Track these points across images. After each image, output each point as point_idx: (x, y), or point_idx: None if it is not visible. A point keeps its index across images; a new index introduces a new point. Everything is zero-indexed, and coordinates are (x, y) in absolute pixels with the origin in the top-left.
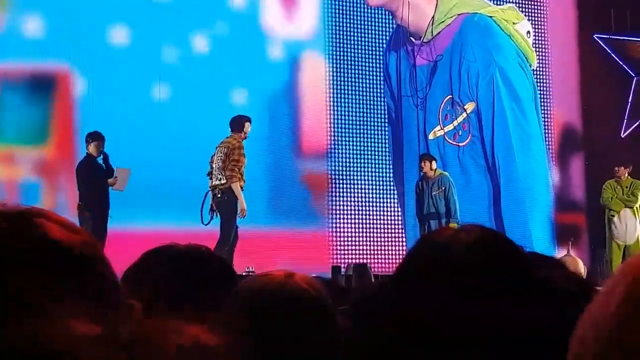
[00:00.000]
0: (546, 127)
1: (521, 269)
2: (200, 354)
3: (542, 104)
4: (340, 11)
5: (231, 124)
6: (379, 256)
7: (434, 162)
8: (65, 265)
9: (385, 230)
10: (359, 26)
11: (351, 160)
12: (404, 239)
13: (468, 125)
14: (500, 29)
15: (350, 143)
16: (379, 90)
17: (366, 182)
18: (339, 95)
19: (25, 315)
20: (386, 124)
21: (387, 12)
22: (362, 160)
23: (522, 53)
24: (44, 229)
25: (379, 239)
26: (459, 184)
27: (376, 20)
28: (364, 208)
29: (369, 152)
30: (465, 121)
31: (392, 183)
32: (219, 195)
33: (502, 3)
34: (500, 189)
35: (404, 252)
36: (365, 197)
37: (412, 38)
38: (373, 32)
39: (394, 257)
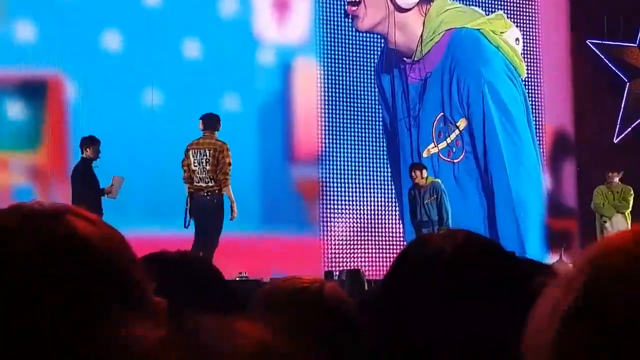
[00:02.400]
0: (538, 133)
1: (507, 269)
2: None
3: (534, 109)
4: (333, 16)
5: (205, 122)
6: (371, 262)
7: (424, 171)
8: (101, 264)
9: (377, 236)
10: (352, 31)
11: (343, 165)
12: (395, 245)
13: (461, 142)
14: (489, 42)
15: (343, 148)
16: (372, 96)
17: (357, 188)
18: (331, 101)
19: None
20: (380, 130)
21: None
22: (354, 166)
23: (511, 64)
24: (74, 226)
25: (370, 245)
26: (456, 200)
27: None
28: (355, 214)
29: (361, 158)
30: (458, 138)
31: (383, 188)
32: (208, 198)
33: (493, 10)
34: (494, 204)
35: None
36: (356, 203)
37: (404, 58)
38: (366, 37)
39: (386, 262)
